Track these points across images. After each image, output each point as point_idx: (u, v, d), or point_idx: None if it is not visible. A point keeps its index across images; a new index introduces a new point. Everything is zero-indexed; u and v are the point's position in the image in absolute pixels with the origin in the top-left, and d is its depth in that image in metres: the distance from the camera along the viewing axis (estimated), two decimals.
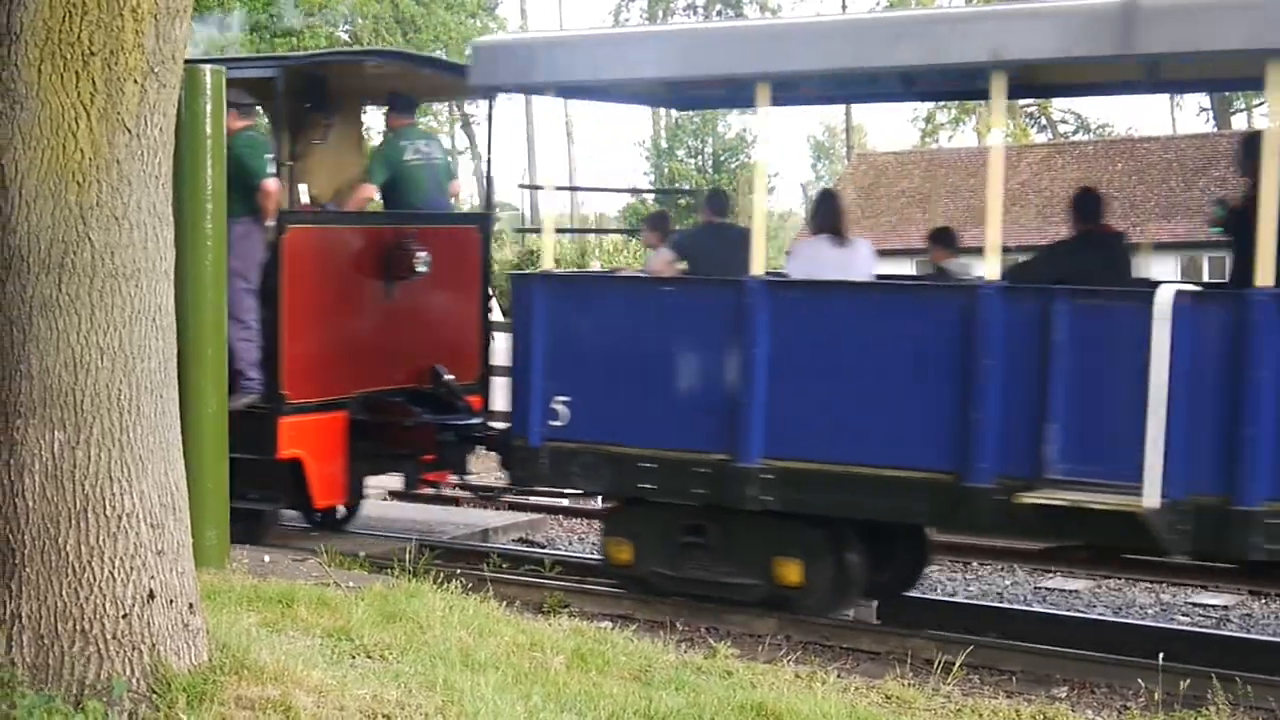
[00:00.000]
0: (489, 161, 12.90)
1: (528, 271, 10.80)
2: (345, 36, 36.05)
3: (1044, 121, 57.66)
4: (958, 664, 8.11)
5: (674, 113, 55.95)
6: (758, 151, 10.62)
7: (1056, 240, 10.56)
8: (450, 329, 12.36)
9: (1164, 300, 8.33)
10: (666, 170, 57.04)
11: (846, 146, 65.65)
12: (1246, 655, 9.35)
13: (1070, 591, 11.59)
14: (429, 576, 8.77)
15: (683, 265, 10.66)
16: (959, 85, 10.53)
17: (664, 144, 59.19)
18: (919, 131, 57.94)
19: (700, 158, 58.03)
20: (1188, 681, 8.09)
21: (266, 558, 9.70)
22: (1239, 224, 9.12)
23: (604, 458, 10.10)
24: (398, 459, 11.84)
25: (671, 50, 10.34)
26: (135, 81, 5.34)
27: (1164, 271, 34.90)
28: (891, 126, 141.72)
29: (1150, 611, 11.08)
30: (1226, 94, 48.81)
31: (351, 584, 8.59)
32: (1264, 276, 8.28)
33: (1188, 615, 10.97)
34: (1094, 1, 8.88)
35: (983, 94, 9.29)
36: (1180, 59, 9.23)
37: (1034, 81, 10.95)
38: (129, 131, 5.37)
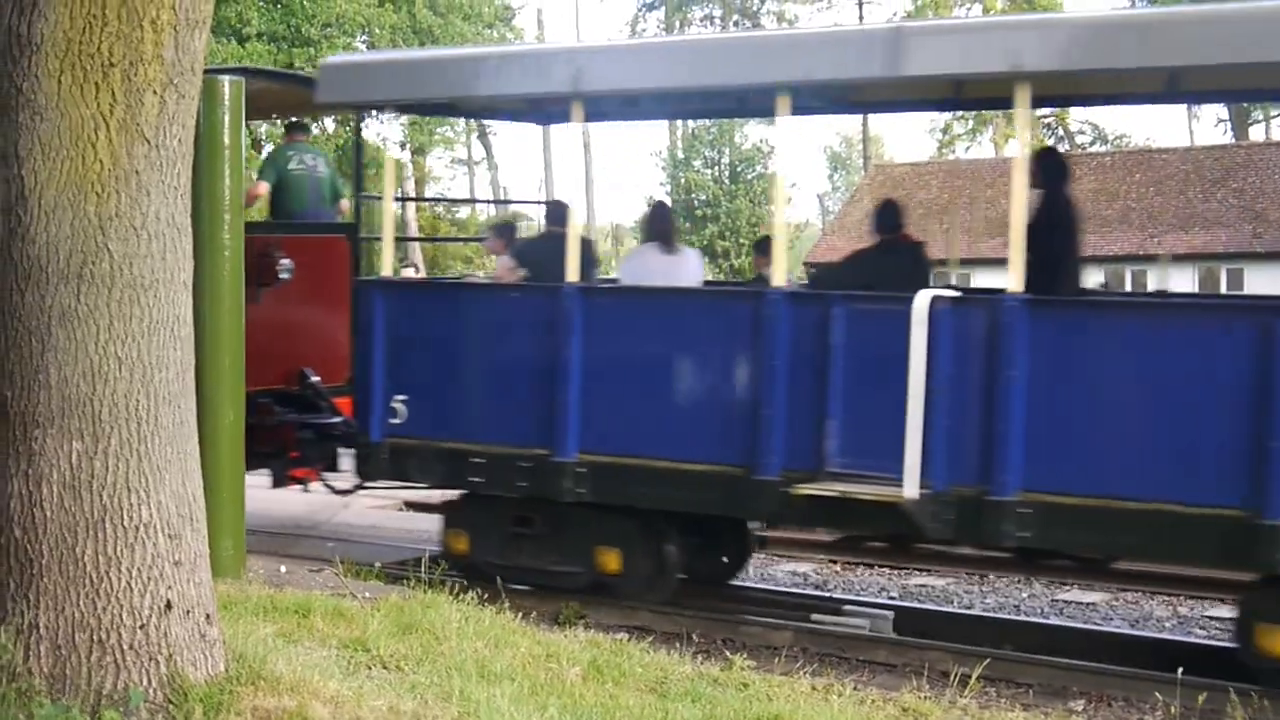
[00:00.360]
0: (359, 174, 13.26)
1: (368, 278, 11.27)
2: (362, 46, 36.10)
3: (1061, 132, 57.67)
4: (974, 676, 8.09)
5: (691, 123, 56.08)
6: (570, 166, 11.42)
7: (859, 248, 11.28)
8: (318, 333, 12.77)
9: (920, 305, 8.88)
10: (683, 180, 57.04)
11: (863, 157, 65.71)
12: (1264, 669, 9.33)
13: (1087, 604, 11.55)
14: (445, 587, 8.77)
15: (523, 272, 11.11)
16: (754, 104, 11.16)
17: (680, 155, 59.17)
18: (936, 142, 58.03)
19: (717, 168, 58.05)
20: (1205, 695, 8.06)
21: (283, 568, 9.72)
22: (1030, 236, 9.59)
23: (438, 453, 10.67)
24: (263, 457, 12.12)
25: (485, 70, 10.95)
26: (154, 93, 5.36)
27: (1180, 283, 34.86)
28: (909, 137, 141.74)
29: (1168, 625, 11.04)
30: (1244, 105, 48.79)
31: (367, 595, 8.59)
32: (1015, 283, 8.87)
33: (1205, 629, 10.93)
34: (868, 28, 9.47)
35: (769, 112, 9.88)
36: (941, 80, 9.82)
37: (816, 101, 11.43)
38: (148, 142, 5.39)
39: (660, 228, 11.17)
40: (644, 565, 10.43)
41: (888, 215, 10.68)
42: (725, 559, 11.63)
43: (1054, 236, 9.74)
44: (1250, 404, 8.23)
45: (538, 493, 10.27)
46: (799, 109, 10.03)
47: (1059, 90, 10.46)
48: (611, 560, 10.38)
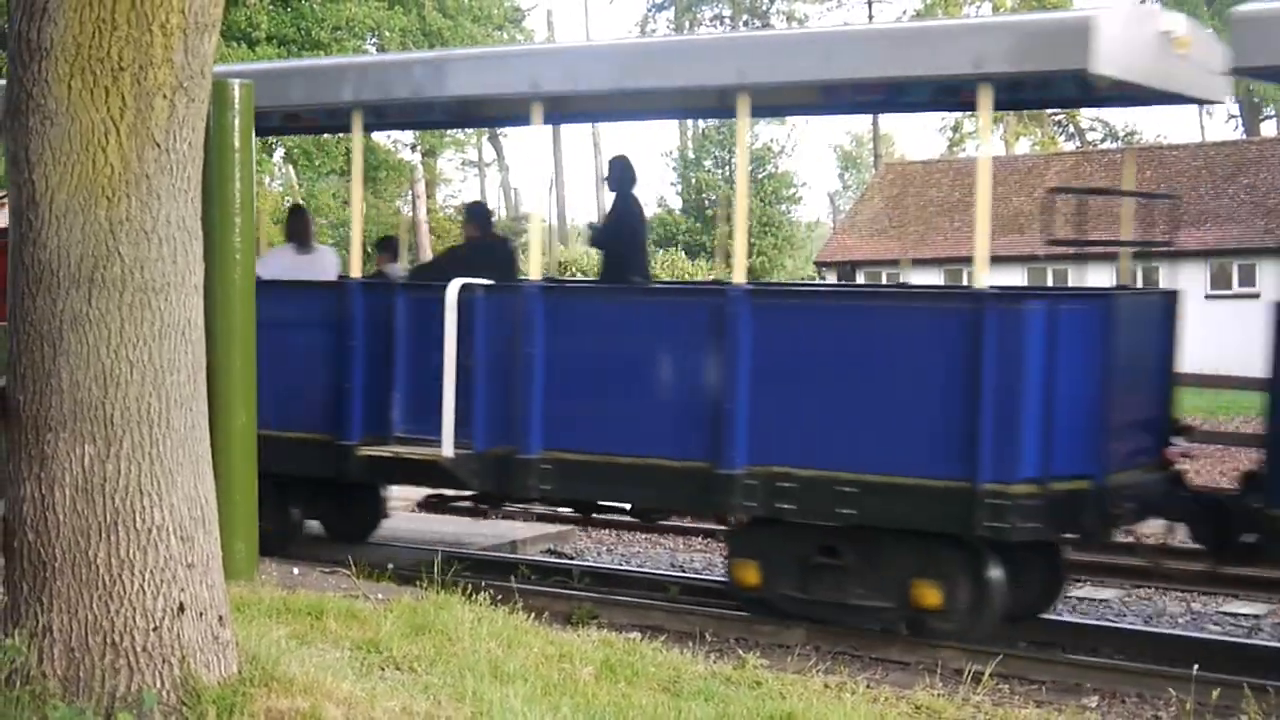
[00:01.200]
0: None
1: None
2: (372, 49, 36.10)
3: (1072, 130, 57.56)
4: (987, 673, 8.09)
5: (701, 123, 56.08)
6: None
7: (453, 245, 13.30)
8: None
9: (451, 293, 10.45)
10: (694, 180, 57.00)
11: (874, 155, 65.63)
12: (1279, 665, 9.35)
13: (1100, 600, 11.54)
14: (457, 588, 8.77)
15: None
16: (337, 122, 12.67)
17: (691, 155, 59.13)
18: (946, 140, 57.93)
19: (727, 169, 57.99)
20: (1219, 691, 8.06)
21: (295, 570, 9.74)
22: (604, 236, 11.84)
23: None
24: None
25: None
26: (164, 96, 5.37)
27: (1195, 279, 34.80)
28: (919, 136, 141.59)
29: (1181, 621, 11.03)
30: (1256, 101, 48.76)
31: (380, 596, 8.60)
32: (534, 271, 10.71)
33: (1219, 624, 10.91)
34: (418, 56, 11.56)
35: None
36: (476, 102, 11.78)
37: (392, 118, 13.88)
38: (158, 146, 5.40)
39: (297, 230, 12.62)
40: (273, 525, 11.13)
41: (478, 215, 12.58)
42: (359, 520, 13.07)
43: (622, 232, 11.61)
44: (709, 376, 9.85)
45: None
46: (370, 128, 12.34)
47: (573, 108, 12.26)
48: None
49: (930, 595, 9.48)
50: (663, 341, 10.26)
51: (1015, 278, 34.51)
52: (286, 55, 32.23)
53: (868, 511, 9.39)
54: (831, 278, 41.56)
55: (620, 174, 11.86)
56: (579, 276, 38.85)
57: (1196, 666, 8.33)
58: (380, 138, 37.68)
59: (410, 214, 46.42)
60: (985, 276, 9.27)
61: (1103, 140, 57.68)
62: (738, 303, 9.77)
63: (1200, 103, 10.21)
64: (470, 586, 8.91)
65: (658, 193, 67.69)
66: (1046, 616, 10.97)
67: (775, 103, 11.55)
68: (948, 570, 9.50)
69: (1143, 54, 9.25)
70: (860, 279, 40.79)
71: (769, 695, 7.02)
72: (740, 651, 9.12)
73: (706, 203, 56.48)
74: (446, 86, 11.17)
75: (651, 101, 11.78)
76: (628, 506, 11.87)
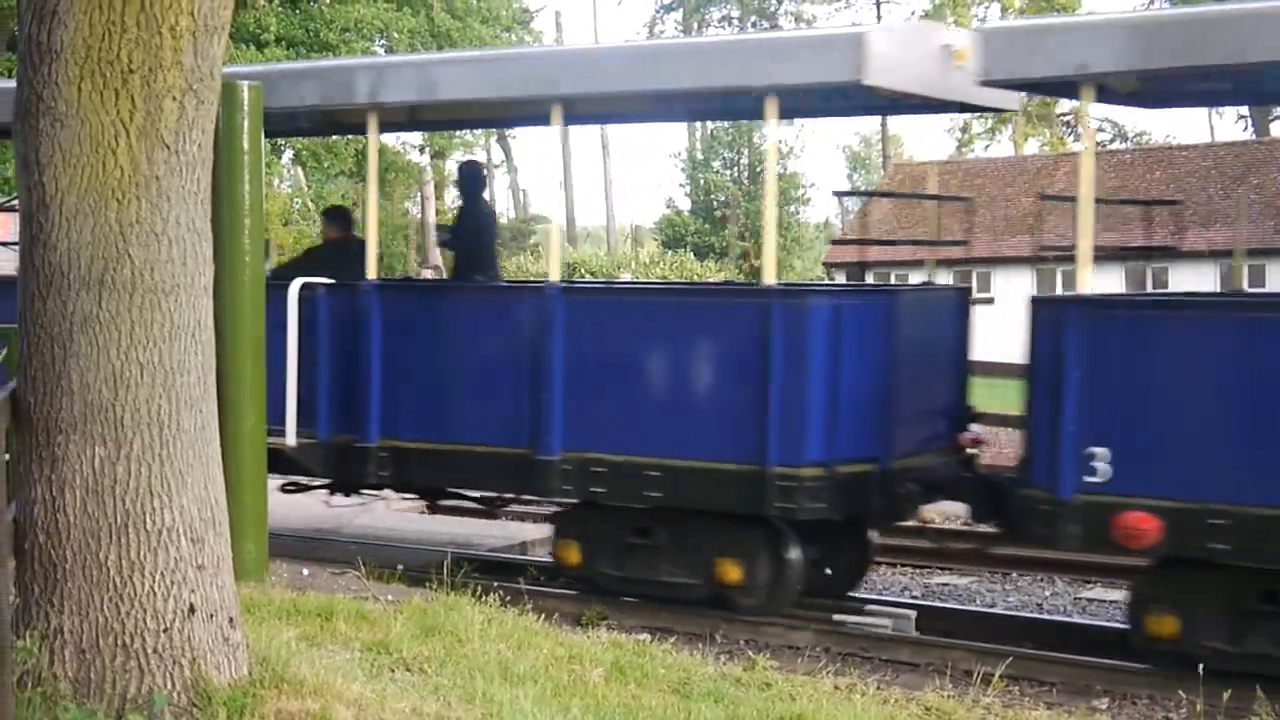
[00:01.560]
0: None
1: None
2: (380, 51, 36.12)
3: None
4: (997, 675, 8.09)
5: (709, 125, 56.11)
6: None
7: (312, 246, 13.58)
8: None
9: (293, 290, 11.05)
10: (702, 181, 57.01)
11: (883, 156, 65.61)
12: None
13: (1110, 602, 11.52)
14: (467, 589, 8.78)
15: None
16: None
17: (700, 156, 59.13)
18: (955, 141, 57.91)
19: (735, 169, 58.03)
20: (1229, 692, 8.04)
21: (305, 571, 9.73)
22: (453, 238, 12.63)
23: None
24: None
25: None
26: (174, 98, 5.38)
27: (1204, 280, 34.75)
28: (928, 136, 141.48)
29: None
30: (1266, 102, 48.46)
31: (390, 597, 8.60)
32: (371, 271, 11.31)
33: None
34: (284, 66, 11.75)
35: None
36: (322, 113, 12.27)
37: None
38: (168, 148, 5.40)
39: None
40: None
41: (337, 218, 13.11)
42: None
43: (468, 234, 12.23)
44: (528, 369, 10.48)
45: None
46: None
47: (409, 117, 12.91)
48: None
49: (732, 572, 10.08)
50: (487, 336, 11.01)
51: (1022, 278, 34.52)
52: (295, 57, 32.27)
53: (672, 494, 10.06)
54: (841, 278, 41.54)
55: (469, 180, 12.65)
56: (587, 277, 38.94)
57: (1202, 667, 8.32)
58: (389, 140, 37.74)
59: (419, 215, 46.43)
60: (771, 276, 10.04)
61: (1111, 141, 57.66)
62: (553, 300, 10.50)
63: (988, 110, 10.84)
64: (480, 588, 8.93)
65: (666, 194, 67.67)
66: (1055, 618, 10.98)
67: (588, 112, 12.14)
68: (748, 549, 10.11)
69: (921, 66, 9.86)
70: (869, 280, 40.76)
71: (779, 697, 7.02)
72: (750, 653, 9.12)
73: (715, 204, 56.51)
74: (301, 98, 11.69)
75: (477, 110, 12.84)
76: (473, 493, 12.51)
